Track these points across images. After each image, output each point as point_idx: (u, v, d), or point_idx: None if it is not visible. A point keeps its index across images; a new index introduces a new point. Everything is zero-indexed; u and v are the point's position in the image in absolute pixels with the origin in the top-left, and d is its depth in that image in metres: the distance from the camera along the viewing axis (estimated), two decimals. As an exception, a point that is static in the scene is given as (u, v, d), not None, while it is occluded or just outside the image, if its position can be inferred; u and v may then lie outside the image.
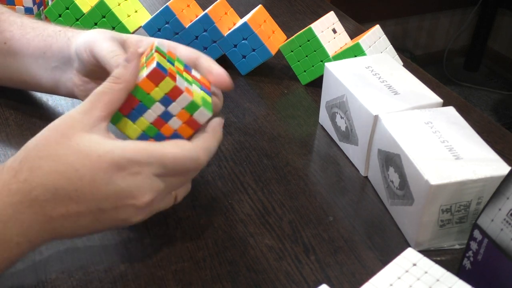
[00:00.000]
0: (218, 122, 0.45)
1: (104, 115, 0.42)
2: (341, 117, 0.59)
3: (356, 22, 0.90)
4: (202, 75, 0.49)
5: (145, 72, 0.43)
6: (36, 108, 0.64)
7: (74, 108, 0.42)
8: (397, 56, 0.71)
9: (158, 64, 0.42)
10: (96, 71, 0.52)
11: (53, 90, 0.58)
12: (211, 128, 0.45)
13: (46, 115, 0.62)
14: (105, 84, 0.42)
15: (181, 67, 0.46)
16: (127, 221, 0.42)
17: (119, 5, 0.73)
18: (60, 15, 0.73)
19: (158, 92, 0.43)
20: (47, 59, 0.56)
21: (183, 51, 0.50)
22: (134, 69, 0.43)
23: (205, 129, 0.45)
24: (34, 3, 0.75)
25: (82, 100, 0.56)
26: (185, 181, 0.45)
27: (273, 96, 0.70)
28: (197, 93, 0.45)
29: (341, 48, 0.72)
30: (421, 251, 0.47)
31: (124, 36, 0.52)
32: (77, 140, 0.40)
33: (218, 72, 0.49)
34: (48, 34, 0.56)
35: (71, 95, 0.57)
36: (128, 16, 0.73)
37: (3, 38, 0.58)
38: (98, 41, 0.50)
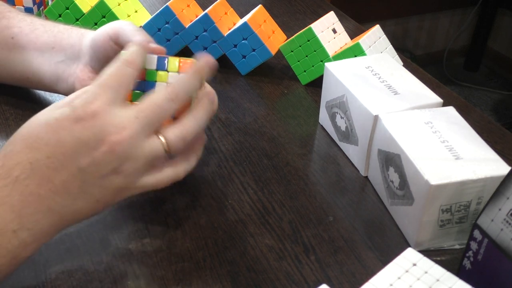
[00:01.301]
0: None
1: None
2: (341, 117, 0.59)
3: (356, 22, 0.90)
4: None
5: None
6: (36, 108, 0.63)
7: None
8: (397, 56, 0.71)
9: None
10: (108, 62, 0.52)
11: (54, 87, 0.59)
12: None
13: (46, 115, 0.62)
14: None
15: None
16: (119, 180, 0.41)
17: (119, 5, 0.73)
18: (60, 15, 0.73)
19: None
20: (54, 54, 0.57)
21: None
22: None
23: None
24: (34, 3, 0.75)
25: None
26: (164, 114, 0.43)
27: (273, 96, 0.71)
28: None
29: (341, 48, 0.72)
30: (421, 251, 0.47)
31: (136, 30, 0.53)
32: (39, 116, 0.41)
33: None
34: (58, 31, 0.57)
35: (70, 91, 0.57)
36: (128, 16, 0.73)
37: (11, 33, 0.58)
38: (125, 25, 0.51)
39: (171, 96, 0.43)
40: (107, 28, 0.53)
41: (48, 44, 0.57)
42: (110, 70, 0.43)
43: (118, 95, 0.42)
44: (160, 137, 0.43)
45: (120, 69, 0.43)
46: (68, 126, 0.40)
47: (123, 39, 0.51)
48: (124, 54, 0.44)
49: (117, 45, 0.52)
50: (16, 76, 0.60)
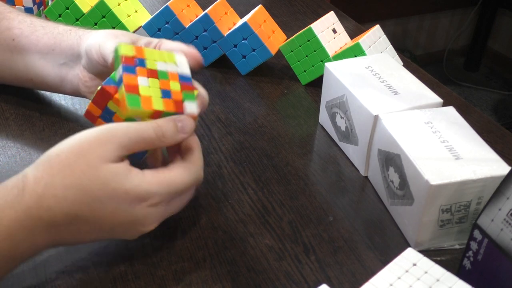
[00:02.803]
0: (196, 138, 0.47)
1: (122, 146, 0.42)
2: (341, 117, 0.59)
3: (356, 22, 0.90)
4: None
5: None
6: (36, 108, 0.64)
7: (94, 132, 0.41)
8: (397, 56, 0.71)
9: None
10: (104, 71, 0.53)
11: (58, 88, 0.59)
12: (197, 144, 0.46)
13: (46, 115, 0.62)
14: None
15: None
16: (126, 238, 0.44)
17: (119, 5, 0.73)
18: (60, 15, 0.73)
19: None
20: (55, 56, 0.57)
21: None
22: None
23: (193, 147, 0.46)
24: (34, 3, 0.75)
25: (86, 97, 0.57)
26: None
27: (273, 96, 0.70)
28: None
29: (341, 48, 0.72)
30: (421, 251, 0.47)
31: (135, 37, 0.53)
32: (104, 172, 0.40)
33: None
34: (58, 32, 0.57)
35: (76, 92, 0.57)
36: (128, 16, 0.73)
37: (12, 35, 0.58)
38: (107, 41, 0.51)
39: (192, 185, 0.45)
40: (96, 38, 0.52)
41: (49, 47, 0.57)
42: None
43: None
44: None
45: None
46: (133, 202, 0.41)
47: (103, 50, 0.51)
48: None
49: (101, 56, 0.51)
50: (20, 78, 0.60)
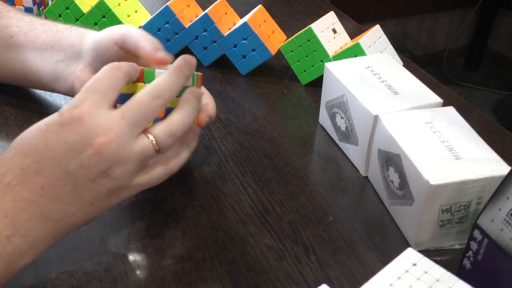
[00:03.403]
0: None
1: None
2: (341, 117, 0.59)
3: (356, 22, 0.90)
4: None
5: None
6: (36, 108, 0.64)
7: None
8: (397, 56, 0.71)
9: None
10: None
11: (52, 86, 0.58)
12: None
13: (46, 115, 0.62)
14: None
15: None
16: (110, 182, 0.41)
17: (119, 5, 0.73)
18: (60, 15, 0.73)
19: None
20: (54, 53, 0.57)
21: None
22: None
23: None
24: (34, 3, 0.75)
25: None
26: (150, 112, 0.42)
27: (273, 96, 0.70)
28: None
29: (341, 48, 0.72)
30: (421, 251, 0.47)
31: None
32: (33, 125, 0.41)
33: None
34: (57, 30, 0.57)
35: (70, 91, 0.57)
36: (128, 16, 0.73)
37: (10, 32, 0.58)
38: (132, 30, 0.51)
39: (156, 94, 0.42)
40: (113, 32, 0.52)
41: (47, 43, 0.57)
42: (98, 74, 0.42)
43: (105, 98, 0.41)
44: (148, 135, 0.42)
45: (107, 73, 0.42)
46: (56, 130, 0.40)
47: (130, 44, 0.50)
48: (113, 63, 0.43)
49: (122, 50, 0.51)
50: (15, 75, 0.60)
